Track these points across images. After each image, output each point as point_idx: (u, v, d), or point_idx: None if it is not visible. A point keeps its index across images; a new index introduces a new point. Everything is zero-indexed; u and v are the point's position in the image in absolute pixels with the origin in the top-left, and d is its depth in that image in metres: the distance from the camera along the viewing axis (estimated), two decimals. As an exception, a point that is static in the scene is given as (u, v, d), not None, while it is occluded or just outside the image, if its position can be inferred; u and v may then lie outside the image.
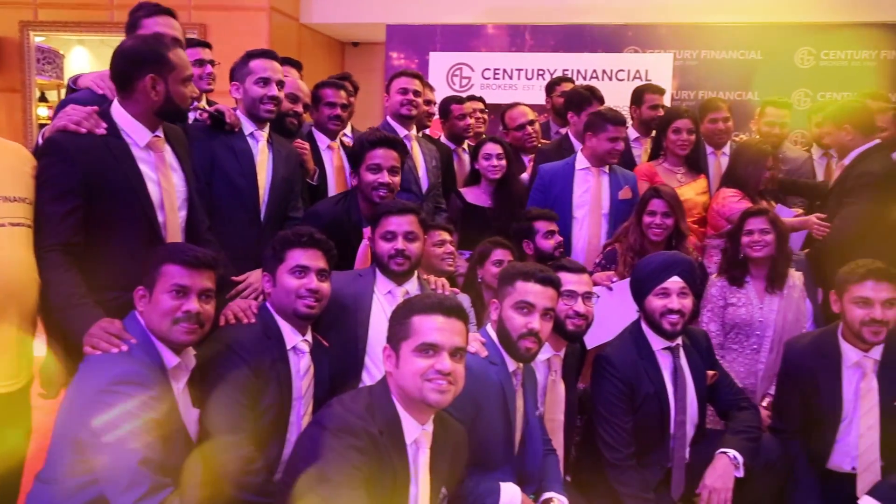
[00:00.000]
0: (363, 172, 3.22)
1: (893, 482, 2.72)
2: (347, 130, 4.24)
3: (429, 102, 4.81)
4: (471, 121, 4.78)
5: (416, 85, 4.15)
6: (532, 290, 2.50)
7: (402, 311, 2.13)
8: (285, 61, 3.49)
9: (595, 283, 3.32)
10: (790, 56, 6.42)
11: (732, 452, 2.76)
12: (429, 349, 2.04)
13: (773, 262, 3.43)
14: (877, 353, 2.82)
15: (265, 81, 3.20)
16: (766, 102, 4.72)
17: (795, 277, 3.51)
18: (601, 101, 4.53)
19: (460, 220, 4.15)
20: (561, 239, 3.68)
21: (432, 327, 2.06)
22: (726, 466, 2.73)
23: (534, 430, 2.62)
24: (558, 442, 2.83)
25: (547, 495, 2.58)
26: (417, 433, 2.11)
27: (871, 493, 2.73)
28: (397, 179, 3.26)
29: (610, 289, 3.44)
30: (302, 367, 2.52)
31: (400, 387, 2.08)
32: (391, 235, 2.86)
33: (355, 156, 3.28)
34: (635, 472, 2.77)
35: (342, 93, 4.03)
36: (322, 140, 3.99)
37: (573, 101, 4.48)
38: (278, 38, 6.95)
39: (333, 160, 4.00)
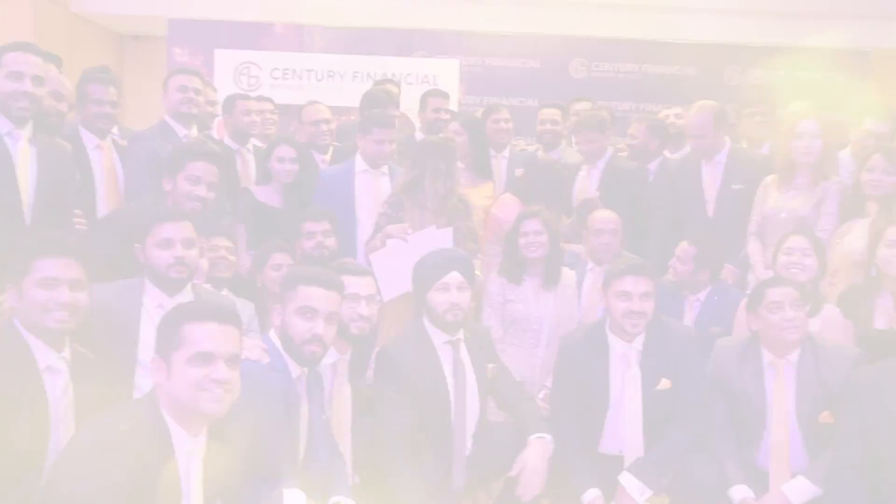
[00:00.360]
0: (180, 181, 3.09)
1: (647, 458, 2.95)
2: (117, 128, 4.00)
3: (211, 103, 4.65)
4: (256, 118, 4.67)
5: (195, 83, 3.99)
6: (315, 295, 2.47)
7: (171, 319, 2.03)
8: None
9: (390, 236, 3.42)
10: (565, 66, 6.86)
11: (546, 436, 2.88)
12: (203, 358, 1.97)
13: (548, 261, 3.63)
14: (639, 343, 3.02)
15: (17, 76, 2.95)
16: (542, 105, 5.13)
17: (568, 276, 3.73)
18: (397, 104, 4.68)
19: (250, 219, 4.07)
20: (322, 240, 3.67)
21: (205, 335, 1.99)
22: (543, 448, 2.86)
23: (319, 436, 2.57)
24: (346, 445, 2.81)
25: (334, 500, 2.55)
26: (189, 445, 2.01)
27: (629, 469, 2.94)
28: (213, 195, 3.17)
29: (406, 241, 3.49)
30: (59, 387, 2.29)
31: (172, 398, 1.98)
32: (168, 243, 2.70)
33: (173, 161, 3.15)
34: (406, 464, 2.79)
35: (111, 89, 3.81)
36: (90, 139, 3.75)
37: (369, 102, 4.59)
38: (45, 27, 6.38)
39: (103, 161, 3.78)
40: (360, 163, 4.04)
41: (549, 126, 4.99)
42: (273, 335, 2.54)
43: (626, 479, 2.91)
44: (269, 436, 2.38)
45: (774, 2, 7.14)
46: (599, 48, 6.88)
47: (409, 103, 5.44)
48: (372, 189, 3.97)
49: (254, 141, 4.81)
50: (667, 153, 4.66)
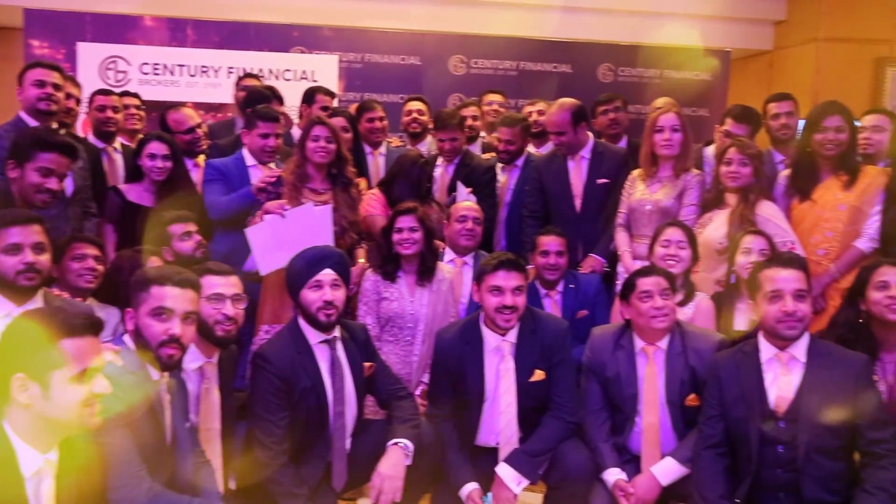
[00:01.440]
0: (28, 171, 2.98)
1: (523, 448, 3.00)
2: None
3: (75, 99, 4.42)
4: (112, 115, 4.47)
5: (54, 77, 3.79)
6: (169, 295, 2.37)
7: (40, 336, 1.89)
8: None
9: (268, 212, 3.48)
10: (445, 62, 6.91)
11: (403, 442, 2.85)
12: (88, 374, 1.91)
13: (422, 258, 3.64)
14: (512, 336, 3.07)
15: None
16: (407, 98, 5.25)
17: (445, 271, 3.76)
18: (280, 100, 4.69)
19: (120, 219, 3.94)
20: (200, 238, 3.59)
21: (86, 351, 1.92)
22: (399, 456, 2.81)
23: (183, 443, 2.48)
24: (216, 451, 2.74)
25: None
26: (39, 463, 1.90)
27: (505, 460, 2.98)
28: (62, 188, 3.12)
29: (283, 216, 3.50)
30: None
31: (45, 418, 1.88)
32: (16, 248, 2.55)
33: (22, 149, 3.03)
34: (287, 468, 2.75)
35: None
36: (-64, 138, 3.48)
37: (252, 99, 4.51)
38: None
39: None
40: (248, 158, 4.01)
41: (416, 116, 5.03)
42: (127, 338, 2.42)
43: (503, 470, 2.95)
44: (139, 438, 2.28)
45: (646, 2, 7.41)
46: (478, 45, 6.95)
47: (287, 100, 5.34)
48: None
49: (121, 140, 4.61)
50: (531, 147, 4.78)
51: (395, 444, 2.84)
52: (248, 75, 5.32)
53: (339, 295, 2.89)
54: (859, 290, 2.98)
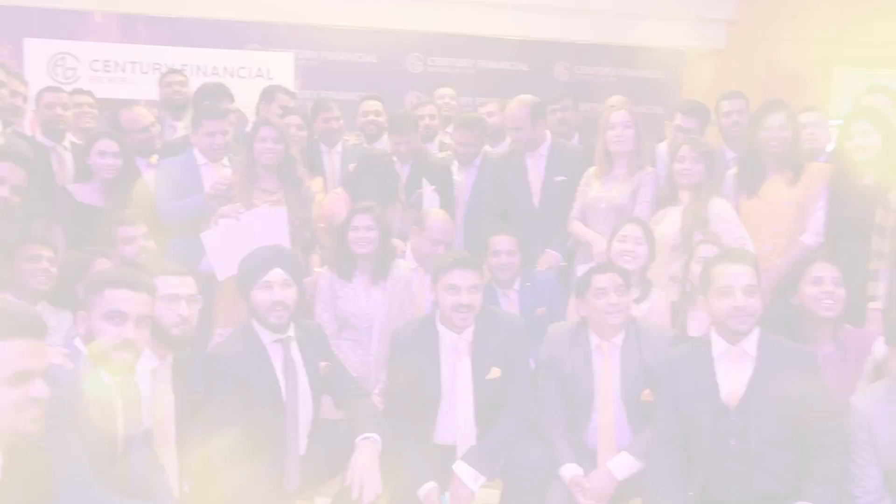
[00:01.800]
0: None
1: (480, 445, 3.01)
2: None
3: (21, 97, 4.31)
4: (62, 112, 4.38)
5: (-6, 73, 3.72)
6: (123, 298, 2.33)
7: None
8: None
9: (222, 216, 3.50)
10: (402, 60, 6.89)
11: (373, 436, 2.84)
12: (22, 377, 1.83)
13: (378, 257, 3.62)
14: (469, 334, 3.07)
15: None
16: (364, 98, 5.19)
17: (402, 268, 3.75)
18: (231, 97, 4.64)
19: (69, 219, 3.84)
20: (143, 244, 3.53)
21: (21, 352, 1.84)
22: (372, 449, 2.81)
23: (136, 448, 2.44)
24: (170, 454, 2.68)
25: None
26: (-22, 470, 1.86)
27: (462, 458, 2.99)
28: (18, 199, 3.06)
29: (237, 220, 3.50)
30: None
31: None
32: None
33: None
34: (242, 469, 2.70)
35: None
36: None
37: (202, 97, 4.47)
38: None
39: None
40: (199, 157, 3.96)
41: (373, 117, 5.02)
42: (79, 342, 2.38)
43: (460, 468, 2.95)
44: (87, 442, 2.23)
45: (601, 2, 7.48)
46: (435, 43, 6.96)
47: (242, 98, 5.28)
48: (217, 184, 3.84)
49: (71, 138, 4.52)
50: (487, 147, 4.80)
51: (365, 438, 2.83)
52: (172, 71, 5.25)
53: (289, 294, 2.87)
54: (792, 284, 3.04)
